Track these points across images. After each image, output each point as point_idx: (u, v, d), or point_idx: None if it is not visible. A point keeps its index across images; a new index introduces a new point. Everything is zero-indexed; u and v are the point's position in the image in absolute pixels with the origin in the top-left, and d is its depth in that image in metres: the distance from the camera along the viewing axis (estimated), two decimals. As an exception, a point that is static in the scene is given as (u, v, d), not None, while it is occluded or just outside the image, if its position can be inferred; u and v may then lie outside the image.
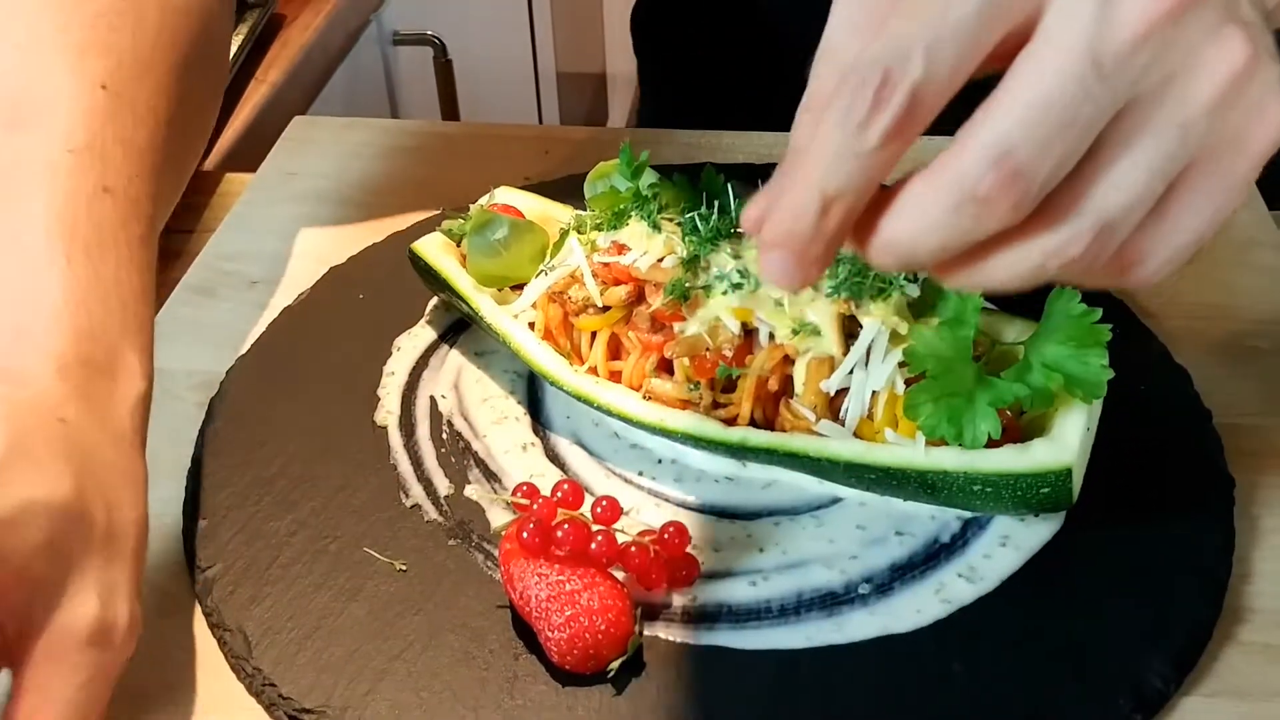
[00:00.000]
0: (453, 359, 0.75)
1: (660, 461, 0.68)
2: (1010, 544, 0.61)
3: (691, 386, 0.65)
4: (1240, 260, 0.82)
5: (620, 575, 0.58)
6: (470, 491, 0.65)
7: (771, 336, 0.63)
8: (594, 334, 0.69)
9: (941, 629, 0.58)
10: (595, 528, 0.58)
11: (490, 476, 0.67)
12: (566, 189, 0.84)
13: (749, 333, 0.64)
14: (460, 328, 0.77)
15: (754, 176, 0.72)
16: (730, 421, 0.65)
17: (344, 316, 0.78)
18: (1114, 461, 0.64)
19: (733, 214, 0.67)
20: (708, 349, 0.64)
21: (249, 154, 1.02)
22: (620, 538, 0.58)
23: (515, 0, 2.32)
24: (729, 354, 0.64)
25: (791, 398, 0.63)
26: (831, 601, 0.59)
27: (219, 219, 0.89)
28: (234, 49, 1.11)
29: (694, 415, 0.65)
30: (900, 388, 0.61)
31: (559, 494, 0.59)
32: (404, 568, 0.62)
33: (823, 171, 0.37)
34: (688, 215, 0.67)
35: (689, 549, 0.60)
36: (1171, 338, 0.74)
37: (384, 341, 0.76)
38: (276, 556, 0.62)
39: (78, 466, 0.51)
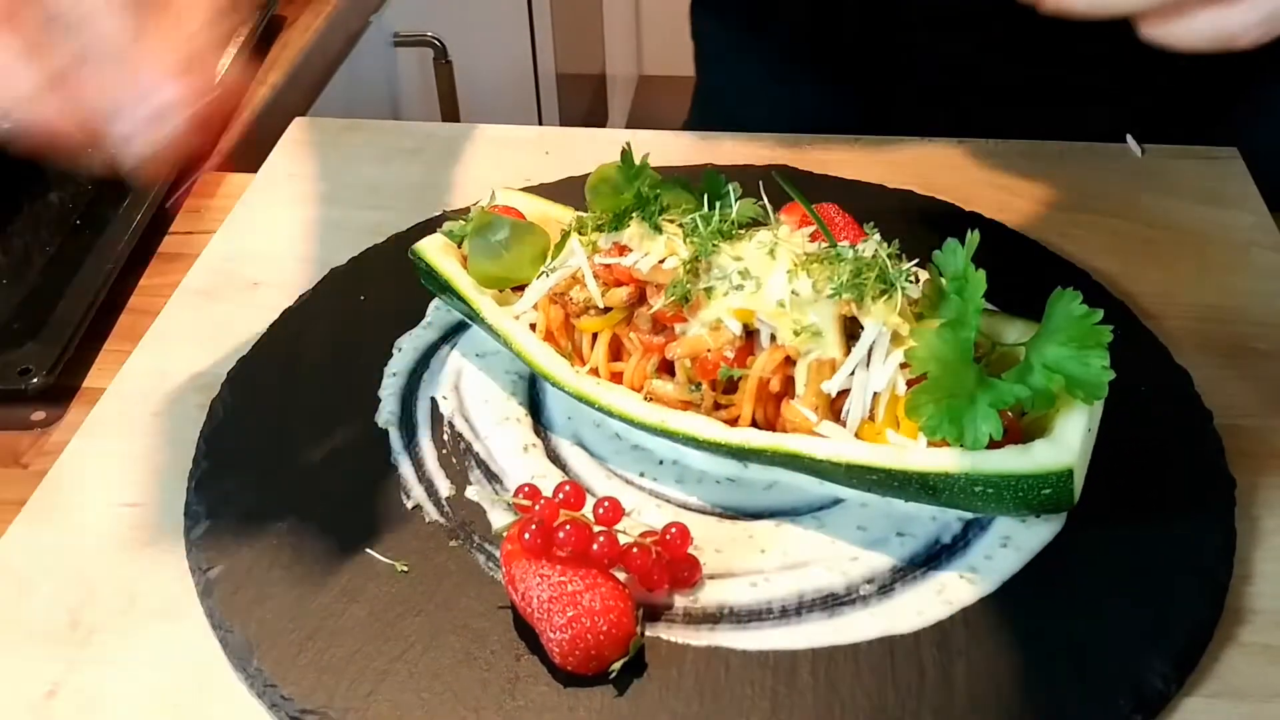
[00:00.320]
0: (454, 360, 0.75)
1: (661, 463, 0.68)
2: (1011, 545, 0.61)
3: (693, 388, 0.65)
4: (1240, 262, 0.82)
5: (622, 576, 0.58)
6: (471, 493, 0.66)
7: (773, 338, 0.63)
8: (595, 335, 0.69)
9: (943, 630, 0.58)
10: (597, 529, 0.58)
11: (491, 478, 0.67)
12: (567, 190, 0.84)
13: (750, 334, 0.64)
14: (461, 329, 0.77)
15: (754, 178, 0.73)
16: (732, 423, 0.65)
17: (345, 318, 0.78)
18: (1115, 462, 0.64)
19: (734, 215, 0.67)
20: (709, 350, 0.64)
21: (250, 156, 1.02)
22: (622, 539, 0.58)
23: (515, 2, 2.32)
24: (730, 355, 0.64)
25: (793, 399, 0.63)
26: (833, 602, 0.60)
27: (220, 221, 0.89)
28: (234, 51, 1.11)
29: (695, 416, 0.65)
30: (902, 389, 0.61)
31: (560, 495, 0.59)
32: (405, 569, 0.62)
33: None
34: (689, 216, 0.67)
35: (690, 550, 0.60)
36: (1172, 339, 0.74)
37: (385, 343, 0.76)
38: (278, 558, 0.62)
39: None
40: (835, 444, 0.61)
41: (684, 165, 0.87)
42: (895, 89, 1.04)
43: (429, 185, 0.92)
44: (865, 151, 0.94)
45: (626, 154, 0.72)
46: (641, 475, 0.67)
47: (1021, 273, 0.72)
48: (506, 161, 0.94)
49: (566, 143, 0.96)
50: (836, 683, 0.56)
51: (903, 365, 0.61)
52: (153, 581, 0.63)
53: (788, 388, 0.63)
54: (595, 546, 0.57)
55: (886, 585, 0.60)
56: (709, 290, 0.64)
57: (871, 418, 0.62)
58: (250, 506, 0.65)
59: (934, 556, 0.61)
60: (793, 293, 0.62)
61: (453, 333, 0.77)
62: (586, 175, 0.76)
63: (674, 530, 0.60)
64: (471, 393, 0.72)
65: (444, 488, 0.66)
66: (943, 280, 0.63)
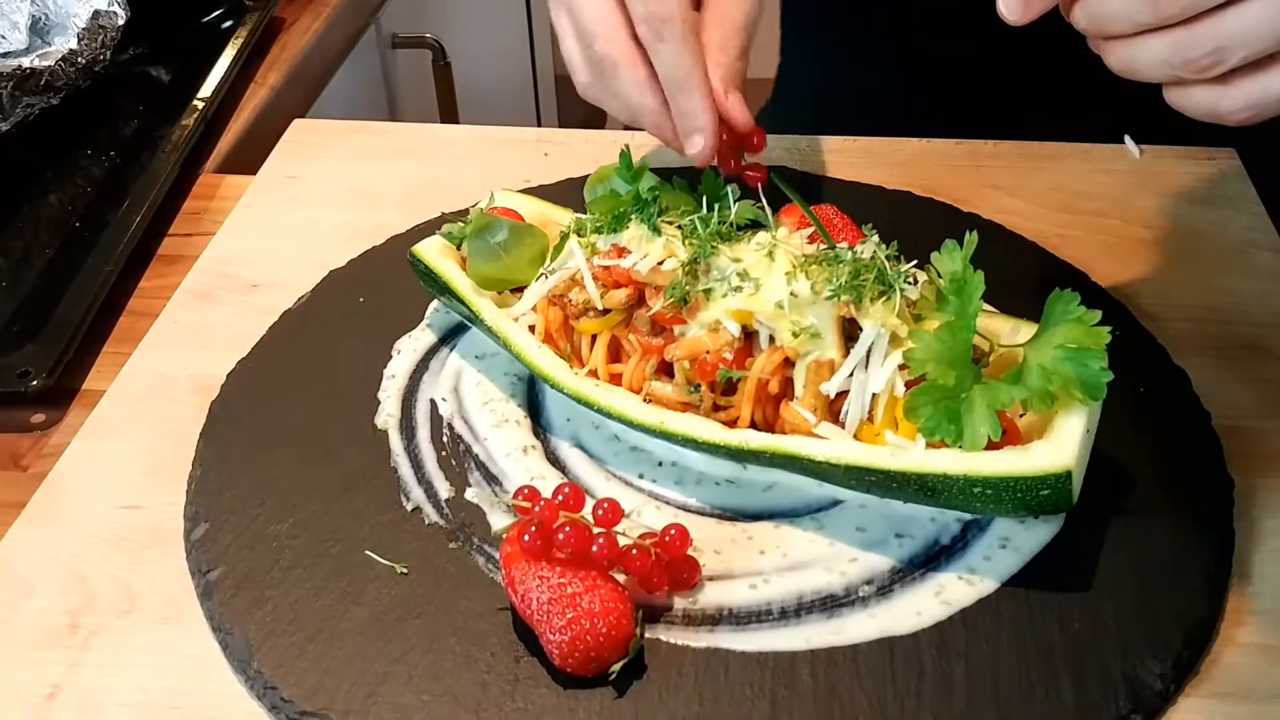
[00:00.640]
0: (453, 362, 0.75)
1: (661, 464, 0.68)
2: (1010, 546, 0.61)
3: (692, 389, 0.65)
4: (1239, 263, 0.82)
5: (621, 578, 0.58)
6: (471, 494, 0.66)
7: (772, 339, 0.63)
8: (594, 337, 0.69)
9: (942, 631, 0.58)
10: (596, 530, 0.58)
11: (491, 479, 0.67)
12: (566, 192, 0.84)
13: (749, 335, 0.64)
14: (460, 331, 0.77)
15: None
16: (730, 424, 0.65)
17: (344, 320, 0.78)
18: (1114, 463, 0.64)
19: (732, 217, 0.67)
20: (708, 352, 0.64)
21: (248, 157, 1.02)
22: (621, 540, 0.58)
23: (514, 3, 2.32)
24: (729, 357, 0.64)
25: (792, 400, 0.63)
26: (832, 604, 0.60)
27: (219, 223, 0.89)
28: (233, 52, 1.11)
29: (694, 418, 0.65)
30: (900, 390, 0.61)
31: (560, 497, 0.59)
32: (405, 571, 0.62)
33: None
34: (688, 218, 0.67)
35: (690, 551, 0.60)
36: (1171, 340, 0.74)
37: (384, 345, 0.76)
38: (278, 560, 0.62)
39: None
40: (834, 445, 0.62)
41: (682, 167, 0.87)
42: (895, 89, 1.04)
43: (428, 187, 0.92)
44: (864, 152, 0.94)
45: (625, 155, 0.72)
46: (641, 477, 0.67)
47: (1020, 274, 0.72)
48: (505, 163, 0.94)
49: (565, 144, 0.96)
50: (836, 684, 0.56)
51: (901, 366, 0.61)
52: (152, 584, 0.63)
53: (786, 389, 0.64)
54: (595, 548, 0.57)
55: (885, 586, 0.60)
56: (708, 292, 0.64)
57: (870, 419, 0.62)
58: (250, 509, 0.65)
59: (933, 558, 0.61)
60: (791, 294, 0.62)
61: (452, 334, 0.77)
62: (585, 177, 0.76)
63: (673, 532, 0.60)
64: (471, 394, 0.73)
65: (443, 489, 0.66)
66: (941, 281, 0.63)
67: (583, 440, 0.69)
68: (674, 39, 0.69)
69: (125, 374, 0.76)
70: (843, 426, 0.62)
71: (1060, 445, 0.58)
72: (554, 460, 0.68)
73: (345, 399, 0.72)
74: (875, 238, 0.65)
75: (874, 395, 0.62)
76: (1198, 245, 0.84)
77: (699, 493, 0.66)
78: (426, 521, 0.65)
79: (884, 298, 0.62)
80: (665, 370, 0.67)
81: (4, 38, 1.03)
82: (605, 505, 0.59)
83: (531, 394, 0.73)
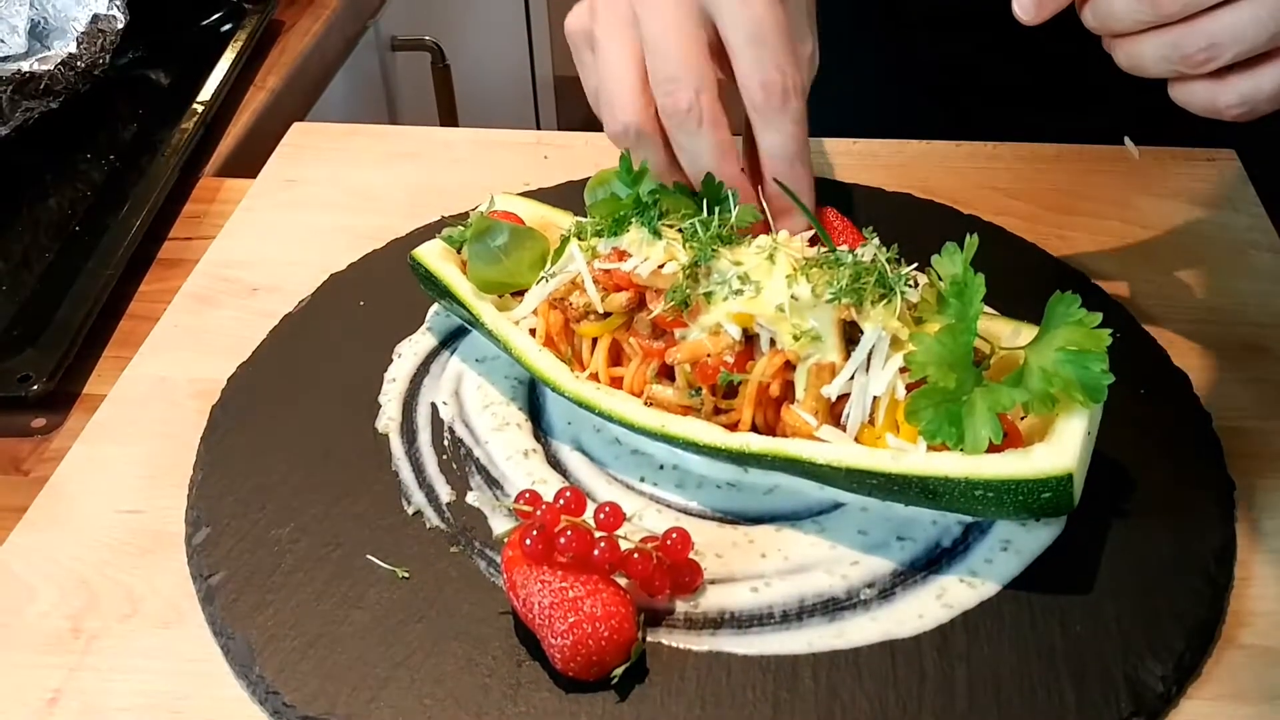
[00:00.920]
0: (453, 366, 0.75)
1: (662, 467, 0.68)
2: (1011, 548, 0.61)
3: (693, 392, 0.65)
4: (1239, 264, 0.82)
5: (623, 582, 0.58)
6: (472, 498, 0.66)
7: (773, 342, 0.63)
8: (595, 340, 0.69)
9: (943, 634, 0.58)
10: (598, 534, 0.58)
11: (492, 483, 0.67)
12: (566, 195, 0.84)
13: (750, 338, 0.64)
14: (461, 334, 0.77)
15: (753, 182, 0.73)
16: (731, 427, 0.65)
17: (344, 323, 0.78)
18: (1115, 465, 0.64)
19: (733, 220, 0.67)
20: (709, 355, 0.64)
21: (248, 161, 1.02)
22: (622, 544, 0.58)
23: (513, 5, 2.32)
24: (730, 360, 0.64)
25: (793, 403, 0.63)
26: (833, 607, 0.60)
27: (219, 226, 0.89)
28: (232, 56, 1.11)
29: (695, 421, 0.65)
30: (901, 393, 0.61)
31: (561, 500, 0.59)
32: (406, 575, 0.62)
33: None
34: (688, 221, 0.67)
35: (691, 555, 0.60)
36: (1171, 341, 0.74)
37: (385, 348, 0.76)
38: (279, 564, 0.62)
39: None
40: (835, 448, 0.62)
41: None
42: (895, 89, 1.04)
43: (427, 190, 0.92)
44: (863, 154, 0.94)
45: (625, 159, 0.72)
46: (642, 480, 0.67)
47: (1020, 276, 0.72)
48: (505, 166, 0.94)
49: (565, 147, 0.96)
50: (837, 687, 0.56)
51: (902, 369, 0.61)
52: (154, 588, 0.63)
53: (787, 392, 0.64)
54: (596, 552, 0.57)
55: (887, 589, 0.60)
56: (708, 295, 0.64)
57: (871, 422, 0.62)
58: (251, 513, 0.65)
59: (934, 560, 0.61)
60: (792, 297, 0.62)
61: (452, 338, 0.77)
62: (585, 180, 0.76)
63: (675, 535, 0.60)
64: (471, 398, 0.73)
65: (444, 493, 0.66)
66: (942, 284, 0.63)
67: (584, 443, 0.69)
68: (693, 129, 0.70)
69: (126, 378, 0.76)
70: (844, 429, 0.62)
71: (1061, 447, 0.58)
72: (555, 464, 0.68)
73: (346, 403, 0.72)
74: (876, 240, 0.65)
75: (875, 398, 0.62)
76: (1198, 246, 0.84)
77: (700, 496, 0.66)
78: (428, 525, 0.65)
79: (885, 300, 0.62)
80: (666, 373, 0.67)
81: (3, 42, 1.03)
82: (607, 509, 0.59)
83: (532, 397, 0.73)
